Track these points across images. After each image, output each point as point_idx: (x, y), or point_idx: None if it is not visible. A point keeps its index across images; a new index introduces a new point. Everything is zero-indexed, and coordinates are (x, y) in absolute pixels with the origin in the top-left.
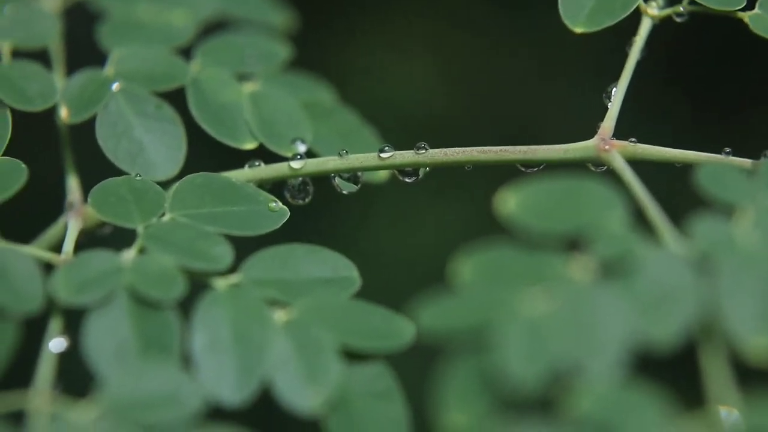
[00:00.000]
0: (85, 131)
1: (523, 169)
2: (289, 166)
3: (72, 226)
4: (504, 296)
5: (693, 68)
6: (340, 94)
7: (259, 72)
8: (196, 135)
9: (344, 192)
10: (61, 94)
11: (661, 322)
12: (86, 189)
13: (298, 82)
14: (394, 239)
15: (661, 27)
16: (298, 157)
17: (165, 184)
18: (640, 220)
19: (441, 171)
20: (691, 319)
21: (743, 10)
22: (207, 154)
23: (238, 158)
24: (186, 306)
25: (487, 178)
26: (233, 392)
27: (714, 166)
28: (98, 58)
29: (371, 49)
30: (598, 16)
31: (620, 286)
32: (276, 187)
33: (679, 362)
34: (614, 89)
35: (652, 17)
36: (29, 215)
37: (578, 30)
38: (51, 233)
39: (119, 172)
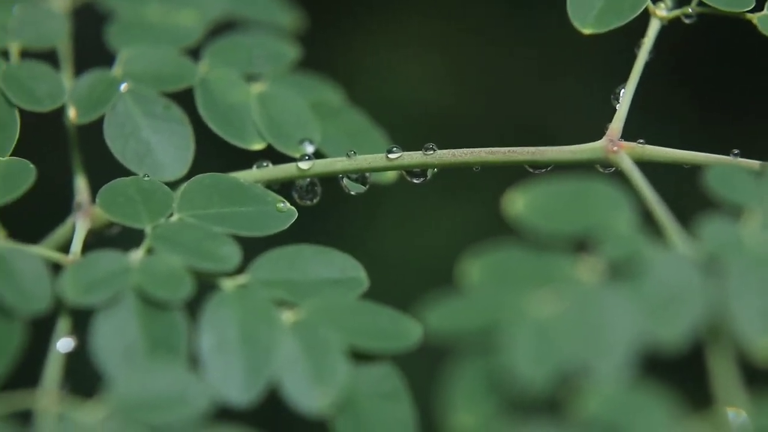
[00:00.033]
0: (93, 132)
1: (531, 170)
2: (297, 166)
3: (80, 226)
4: (512, 297)
5: (701, 69)
6: (348, 94)
7: (267, 72)
8: (204, 135)
9: (352, 193)
10: (69, 95)
11: (669, 323)
12: (94, 189)
13: (306, 82)
14: (402, 240)
15: (670, 28)
16: (306, 157)
17: (173, 185)
18: (648, 221)
19: (449, 172)
20: (698, 320)
21: (752, 11)
22: (215, 154)
23: (246, 159)
24: (193, 306)
25: (496, 179)
26: (241, 393)
27: (722, 168)
28: (106, 59)
29: (379, 49)
30: (607, 17)
31: (628, 287)
32: (284, 187)
33: (686, 363)
34: (623, 90)
35: (661, 18)
36: (37, 215)
37: (587, 31)
38: (59, 233)
39: (127, 173)
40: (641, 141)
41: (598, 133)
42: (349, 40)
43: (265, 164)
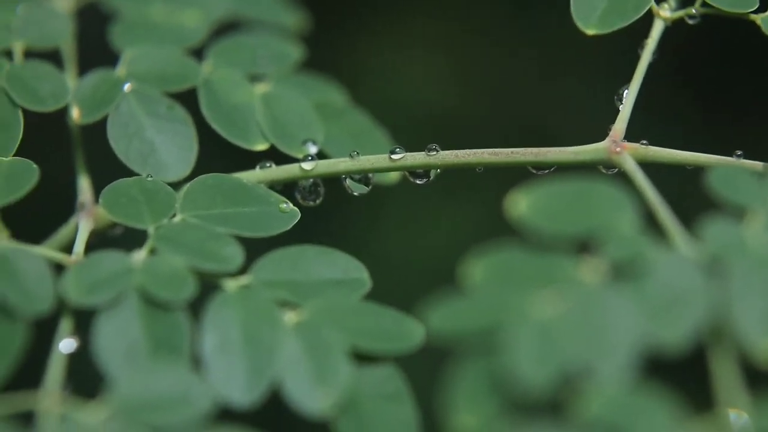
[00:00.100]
0: (96, 132)
1: (534, 171)
2: (300, 167)
3: (83, 226)
4: (514, 298)
5: (704, 70)
6: (352, 94)
7: (271, 73)
8: (207, 136)
9: (355, 193)
10: (72, 95)
11: (671, 324)
12: (97, 189)
13: (309, 82)
14: (405, 241)
15: (673, 29)
16: (310, 158)
17: (176, 185)
18: (650, 222)
19: (452, 172)
20: (701, 322)
21: (756, 12)
22: (218, 155)
23: (249, 159)
24: (196, 307)
25: (498, 180)
26: (243, 393)
27: (725, 169)
28: (110, 59)
29: (383, 50)
30: (610, 18)
31: (631, 288)
32: (287, 188)
33: (688, 365)
34: (626, 91)
35: (664, 19)
36: (40, 215)
37: (590, 32)
38: (62, 234)
39: (130, 173)
40: (644, 142)
41: (601, 134)
42: (354, 41)
43: (268, 165)
